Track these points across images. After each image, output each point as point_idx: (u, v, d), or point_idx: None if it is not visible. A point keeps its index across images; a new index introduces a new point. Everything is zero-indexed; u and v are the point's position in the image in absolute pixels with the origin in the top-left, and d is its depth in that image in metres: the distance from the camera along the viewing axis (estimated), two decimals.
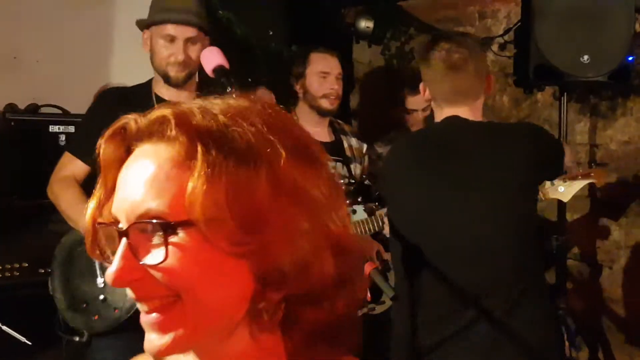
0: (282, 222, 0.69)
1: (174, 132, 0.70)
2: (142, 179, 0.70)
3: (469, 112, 2.13)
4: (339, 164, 3.03)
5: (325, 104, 3.00)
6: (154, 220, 0.68)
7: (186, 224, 0.67)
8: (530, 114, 3.96)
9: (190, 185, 0.67)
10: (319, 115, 3.05)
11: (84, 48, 3.09)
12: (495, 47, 3.95)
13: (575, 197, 2.67)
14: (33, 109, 2.94)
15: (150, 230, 0.69)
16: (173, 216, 0.68)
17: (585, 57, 3.25)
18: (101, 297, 2.37)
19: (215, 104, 0.74)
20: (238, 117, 0.71)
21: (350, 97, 4.41)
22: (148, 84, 2.58)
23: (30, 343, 2.29)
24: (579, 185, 2.63)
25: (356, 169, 3.14)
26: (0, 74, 2.95)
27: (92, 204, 0.76)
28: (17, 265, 2.76)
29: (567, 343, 3.01)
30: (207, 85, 2.46)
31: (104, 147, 0.75)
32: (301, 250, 0.69)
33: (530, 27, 3.39)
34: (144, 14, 2.52)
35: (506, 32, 3.88)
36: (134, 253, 0.69)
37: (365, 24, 4.01)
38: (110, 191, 0.74)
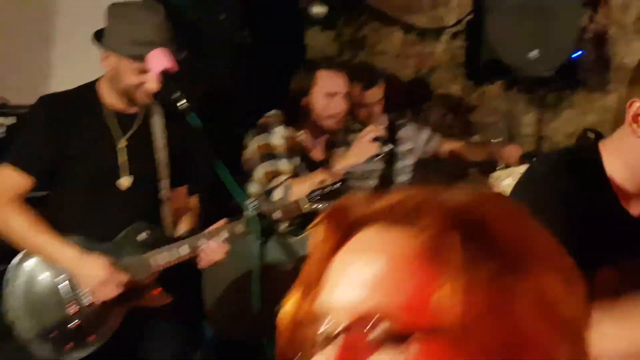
0: (542, 346, 0.58)
1: (423, 218, 0.59)
2: (366, 273, 0.59)
3: None
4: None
5: (330, 123, 2.99)
6: (388, 324, 0.56)
7: (435, 332, 0.56)
8: (480, 105, 4.00)
9: (445, 286, 0.56)
10: (322, 133, 3.05)
11: (24, 35, 2.96)
12: (446, 37, 3.97)
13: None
14: None
15: (380, 335, 0.57)
16: (411, 320, 0.56)
17: (536, 51, 3.30)
18: (73, 323, 2.25)
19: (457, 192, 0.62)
20: (492, 208, 0.60)
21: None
22: (92, 90, 2.33)
23: None
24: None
25: None
26: None
27: (293, 295, 0.66)
28: None
29: None
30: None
31: (318, 229, 0.64)
32: None
33: (482, 21, 3.41)
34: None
35: (457, 22, 3.89)
36: (352, 358, 0.58)
37: (318, 9, 3.96)
38: (317, 281, 0.64)
